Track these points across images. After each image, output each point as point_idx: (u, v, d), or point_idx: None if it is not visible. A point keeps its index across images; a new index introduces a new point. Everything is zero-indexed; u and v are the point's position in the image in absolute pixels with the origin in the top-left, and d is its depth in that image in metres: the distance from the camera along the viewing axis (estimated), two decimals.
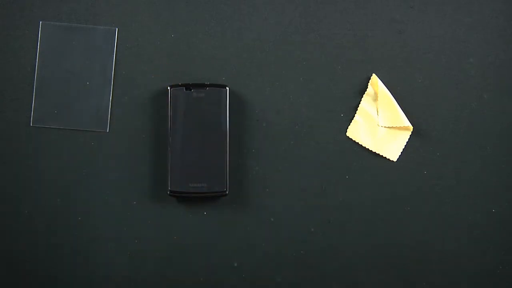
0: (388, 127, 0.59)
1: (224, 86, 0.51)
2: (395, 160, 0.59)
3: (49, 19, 0.58)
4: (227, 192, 0.53)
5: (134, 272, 0.57)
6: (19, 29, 0.58)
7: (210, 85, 0.51)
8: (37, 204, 0.57)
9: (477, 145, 0.59)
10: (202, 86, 0.51)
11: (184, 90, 0.50)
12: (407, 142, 0.59)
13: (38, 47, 0.58)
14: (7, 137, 0.58)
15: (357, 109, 0.59)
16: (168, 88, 0.50)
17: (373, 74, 0.59)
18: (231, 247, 0.57)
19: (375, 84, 0.59)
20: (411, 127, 0.58)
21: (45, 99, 0.58)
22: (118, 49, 0.59)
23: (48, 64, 0.58)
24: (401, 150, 0.59)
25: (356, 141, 0.59)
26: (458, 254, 0.58)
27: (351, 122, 0.59)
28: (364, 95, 0.59)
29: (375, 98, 0.59)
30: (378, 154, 0.58)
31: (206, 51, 0.59)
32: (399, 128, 0.59)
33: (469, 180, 0.59)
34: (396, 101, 0.58)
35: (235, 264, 0.57)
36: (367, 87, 0.59)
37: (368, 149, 0.59)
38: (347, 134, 0.59)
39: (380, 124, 0.59)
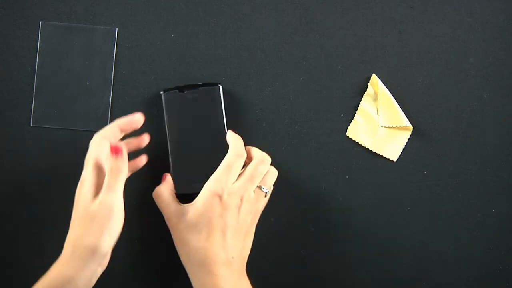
0: (388, 127, 0.59)
1: (216, 84, 0.51)
2: (395, 160, 0.59)
3: (49, 19, 0.58)
4: None
5: (134, 272, 0.57)
6: (19, 29, 0.58)
7: (203, 85, 0.50)
8: (37, 204, 0.57)
9: (477, 145, 0.59)
10: (194, 86, 0.50)
11: (178, 92, 0.50)
12: (407, 142, 0.59)
13: (38, 47, 0.58)
14: (7, 137, 0.58)
15: (357, 109, 0.59)
16: (161, 93, 0.50)
17: (373, 74, 0.59)
18: None
19: (375, 84, 0.59)
20: (411, 127, 0.58)
21: (45, 99, 0.58)
22: (118, 49, 0.59)
23: (48, 64, 0.58)
24: (401, 150, 0.59)
25: (356, 141, 0.59)
26: (458, 254, 0.58)
27: (351, 122, 0.59)
28: (364, 95, 0.59)
29: (375, 98, 0.59)
30: (378, 154, 0.59)
31: (206, 51, 0.59)
32: (399, 128, 0.59)
33: (469, 180, 0.59)
34: (396, 101, 0.58)
35: None
36: (367, 87, 0.59)
37: (368, 149, 0.59)
38: (347, 134, 0.59)
39: (380, 124, 0.59)
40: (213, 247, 0.44)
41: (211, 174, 0.48)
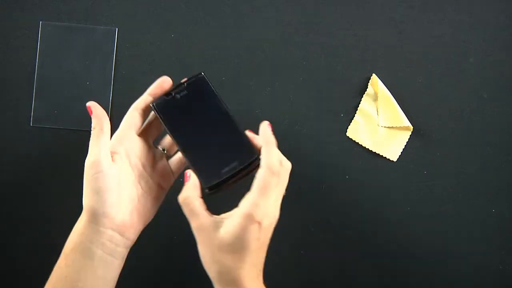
0: (388, 127, 0.59)
1: (200, 73, 0.49)
2: (395, 160, 0.59)
3: (49, 19, 0.58)
4: (259, 156, 0.46)
5: (134, 272, 0.57)
6: (19, 29, 0.58)
7: (187, 80, 0.49)
8: (37, 204, 0.57)
9: (477, 145, 0.59)
10: (180, 85, 0.49)
11: (166, 97, 0.48)
12: (407, 142, 0.59)
13: (38, 47, 0.58)
14: (7, 137, 0.58)
15: (357, 109, 0.59)
16: (152, 105, 0.48)
17: (373, 74, 0.59)
18: None
19: (375, 84, 0.59)
20: (411, 127, 0.58)
21: (45, 99, 0.58)
22: (118, 49, 0.59)
23: (48, 64, 0.58)
24: (401, 150, 0.59)
25: (356, 141, 0.59)
26: (458, 254, 0.58)
27: (351, 122, 0.59)
28: (364, 95, 0.59)
29: (375, 98, 0.59)
30: (378, 154, 0.58)
31: (206, 51, 0.59)
32: (399, 128, 0.59)
33: (469, 180, 0.59)
34: (396, 101, 0.58)
35: None
36: (367, 87, 0.59)
37: (368, 149, 0.59)
38: (347, 134, 0.59)
39: (380, 124, 0.59)
40: (246, 266, 0.44)
41: (232, 153, 0.46)
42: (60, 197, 0.57)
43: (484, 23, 0.60)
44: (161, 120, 0.48)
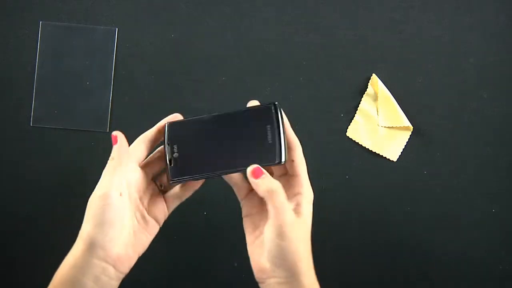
0: (388, 127, 0.59)
1: (168, 123, 0.47)
2: (395, 160, 0.59)
3: (49, 19, 0.58)
4: (274, 102, 0.45)
5: (134, 273, 0.57)
6: (19, 29, 0.58)
7: (164, 140, 0.47)
8: (37, 204, 0.57)
9: (477, 145, 0.59)
10: (164, 145, 0.47)
11: (171, 166, 0.46)
12: (407, 142, 0.59)
13: (38, 47, 0.58)
14: (7, 137, 0.58)
15: (357, 109, 0.59)
16: (171, 182, 0.46)
17: (373, 74, 0.59)
18: (231, 247, 0.57)
19: (375, 84, 0.59)
20: (411, 127, 0.58)
21: (45, 99, 0.58)
22: (118, 49, 0.59)
23: (48, 64, 0.58)
24: (401, 150, 0.59)
25: (356, 141, 0.59)
26: (458, 254, 0.58)
27: (351, 122, 0.59)
28: (364, 95, 0.59)
29: (375, 98, 0.59)
30: (378, 154, 0.58)
31: (206, 51, 0.59)
32: (399, 128, 0.59)
33: (469, 180, 0.59)
34: (396, 101, 0.58)
35: (235, 264, 0.57)
36: (367, 87, 0.59)
37: (368, 149, 0.59)
38: (347, 134, 0.59)
39: (380, 124, 0.59)
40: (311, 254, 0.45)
41: (261, 124, 0.44)
42: (60, 197, 0.57)
43: (484, 23, 0.60)
44: (190, 181, 0.46)
